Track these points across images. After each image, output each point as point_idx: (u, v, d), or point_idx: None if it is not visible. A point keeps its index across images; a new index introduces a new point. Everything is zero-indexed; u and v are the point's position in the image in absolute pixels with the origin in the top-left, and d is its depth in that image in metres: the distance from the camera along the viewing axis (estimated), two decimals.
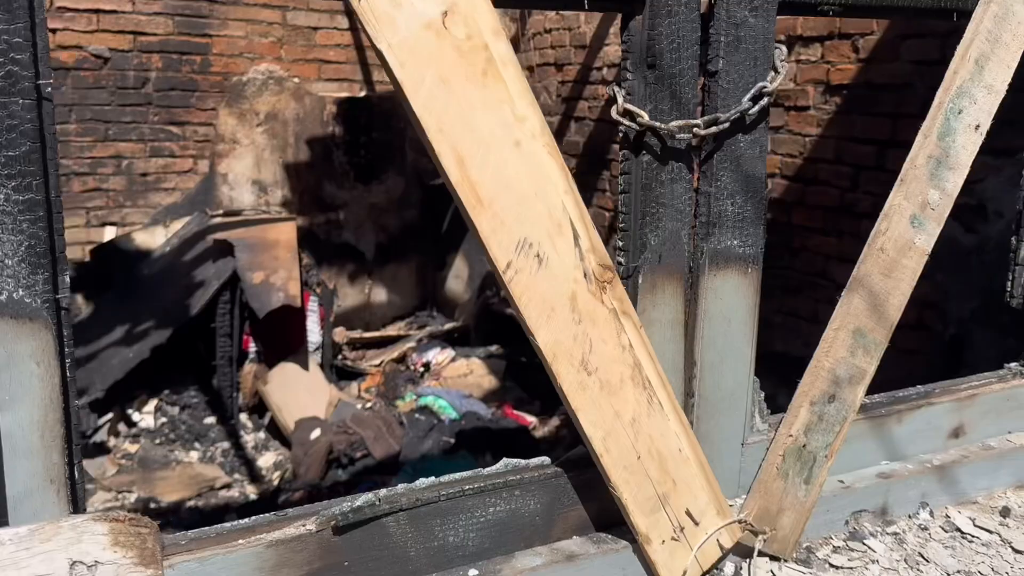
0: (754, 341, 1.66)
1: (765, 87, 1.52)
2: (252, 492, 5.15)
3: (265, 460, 5.37)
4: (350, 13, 6.23)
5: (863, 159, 4.20)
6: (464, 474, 1.49)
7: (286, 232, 5.53)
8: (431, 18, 1.21)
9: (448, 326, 6.54)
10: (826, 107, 4.24)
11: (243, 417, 5.65)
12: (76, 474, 1.20)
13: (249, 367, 5.69)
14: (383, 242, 6.55)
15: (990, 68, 1.62)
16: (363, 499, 1.37)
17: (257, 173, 6.11)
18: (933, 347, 3.97)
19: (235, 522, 1.34)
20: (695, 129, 1.48)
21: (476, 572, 1.46)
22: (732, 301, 1.61)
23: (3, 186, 1.09)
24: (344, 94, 6.26)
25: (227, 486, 5.13)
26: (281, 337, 5.62)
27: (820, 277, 4.30)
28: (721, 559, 1.62)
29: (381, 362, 6.13)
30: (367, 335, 6.47)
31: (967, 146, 1.64)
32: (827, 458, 1.66)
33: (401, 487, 1.43)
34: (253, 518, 1.36)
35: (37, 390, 1.14)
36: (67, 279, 1.16)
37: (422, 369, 5.92)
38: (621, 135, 1.51)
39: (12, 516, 1.16)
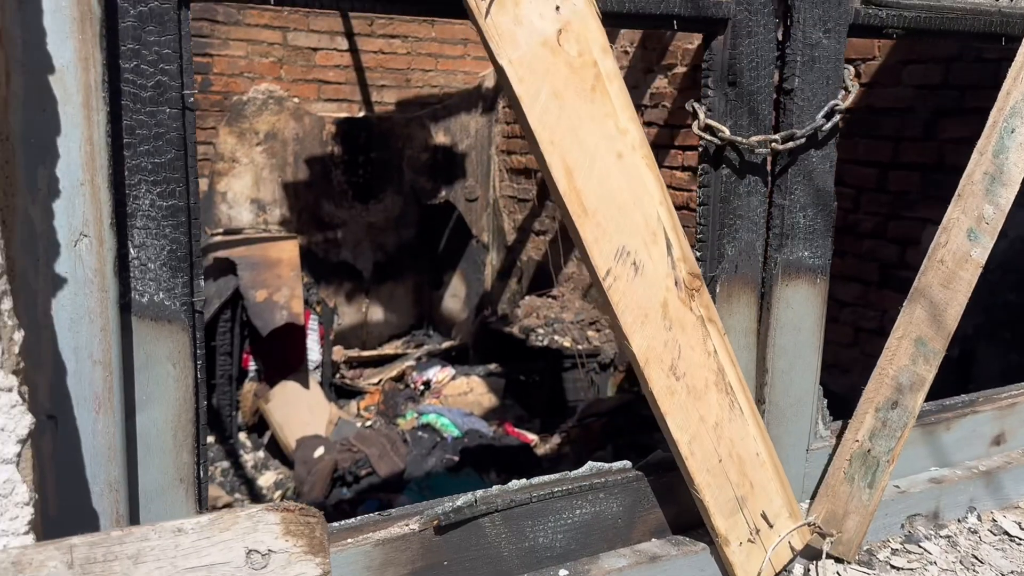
0: (820, 349, 1.72)
1: (837, 105, 1.59)
2: None
3: (266, 479, 5.35)
4: (350, 34, 6.30)
5: (865, 181, 4.32)
6: (552, 476, 1.54)
7: (288, 250, 5.54)
8: (547, 36, 1.27)
9: (446, 344, 6.57)
10: None
11: (242, 436, 5.63)
12: (202, 474, 1.23)
13: (249, 386, 5.68)
14: (380, 261, 6.58)
15: None
16: (463, 499, 1.41)
17: (256, 192, 6.12)
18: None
19: (342, 522, 1.38)
20: (773, 144, 1.55)
21: (566, 572, 1.50)
22: (802, 310, 1.67)
23: (149, 192, 1.13)
24: (343, 114, 6.30)
25: (228, 506, 5.10)
26: (282, 356, 5.62)
27: None
28: (791, 561, 1.67)
29: (380, 380, 6.14)
30: (365, 354, 6.48)
31: (1018, 163, 1.72)
32: (889, 463, 1.73)
33: (495, 488, 1.47)
34: (359, 518, 1.39)
35: (172, 391, 1.18)
36: (202, 283, 1.19)
37: (423, 387, 5.94)
38: (701, 149, 1.57)
39: (144, 513, 1.19)
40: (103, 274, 1.07)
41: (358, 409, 5.90)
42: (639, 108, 5.61)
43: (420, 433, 5.18)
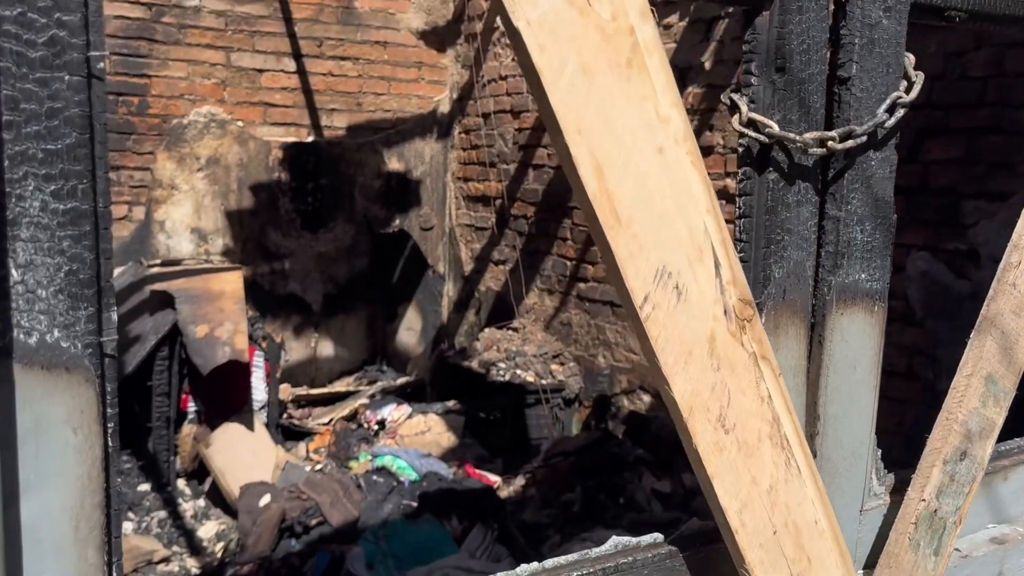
0: (877, 390, 1.45)
1: (900, 97, 1.33)
2: (194, 566, 4.72)
3: (206, 530, 4.94)
4: (298, 55, 5.98)
5: None
6: (570, 558, 1.23)
7: (232, 282, 5.17)
8: None
9: (401, 381, 6.22)
10: None
11: (181, 483, 5.21)
12: (116, 575, 0.90)
13: (188, 428, 5.27)
14: (331, 292, 6.22)
15: None
16: None
17: (197, 220, 5.74)
18: (925, 396, 3.85)
19: None
20: (830, 143, 1.28)
21: None
22: (858, 344, 1.40)
23: (39, 190, 0.81)
24: (291, 139, 5.96)
25: (166, 559, 4.68)
26: (224, 395, 5.22)
27: None
28: None
29: (331, 420, 5.76)
30: (314, 392, 6.10)
31: None
32: (956, 524, 1.46)
33: None
34: None
35: (73, 466, 0.85)
36: (114, 316, 0.87)
37: (377, 427, 5.58)
38: (742, 149, 1.29)
39: None
40: None
41: (307, 452, 5.52)
42: None
43: (375, 477, 4.82)
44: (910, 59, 1.36)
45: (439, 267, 6.59)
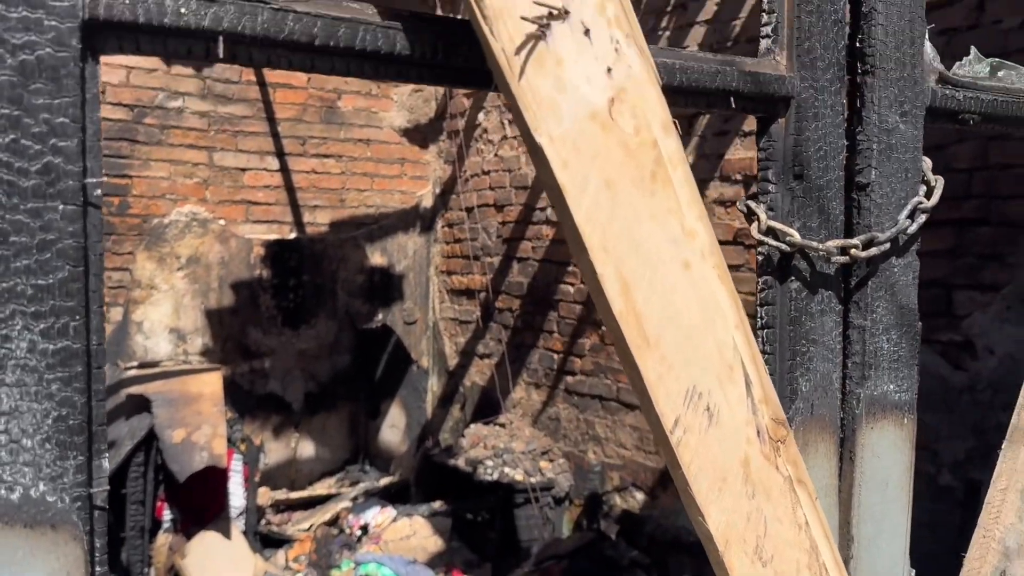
0: (909, 508, 1.37)
1: (921, 203, 1.29)
2: None
3: None
4: (281, 154, 5.98)
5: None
6: None
7: (211, 383, 5.04)
8: (597, 106, 0.94)
9: (384, 481, 6.05)
10: None
11: None
12: None
13: (163, 538, 5.06)
14: (312, 391, 6.09)
15: None
16: None
17: (176, 320, 5.63)
18: (928, 490, 3.77)
19: None
20: (852, 251, 1.24)
21: None
22: (889, 459, 1.32)
23: (28, 329, 0.73)
24: (273, 236, 5.92)
25: None
26: (201, 502, 5.04)
27: None
28: None
29: (311, 526, 5.57)
30: (294, 495, 5.91)
31: None
32: None
33: None
34: None
35: None
36: (105, 463, 0.79)
37: (360, 532, 5.39)
38: (762, 258, 1.24)
39: None
40: None
41: (287, 560, 5.31)
42: None
43: None
44: (927, 163, 1.33)
45: (423, 362, 6.50)
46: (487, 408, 5.97)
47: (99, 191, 0.77)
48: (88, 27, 0.76)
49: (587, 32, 0.92)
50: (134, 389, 4.93)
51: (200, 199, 5.71)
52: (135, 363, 5.38)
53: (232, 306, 5.79)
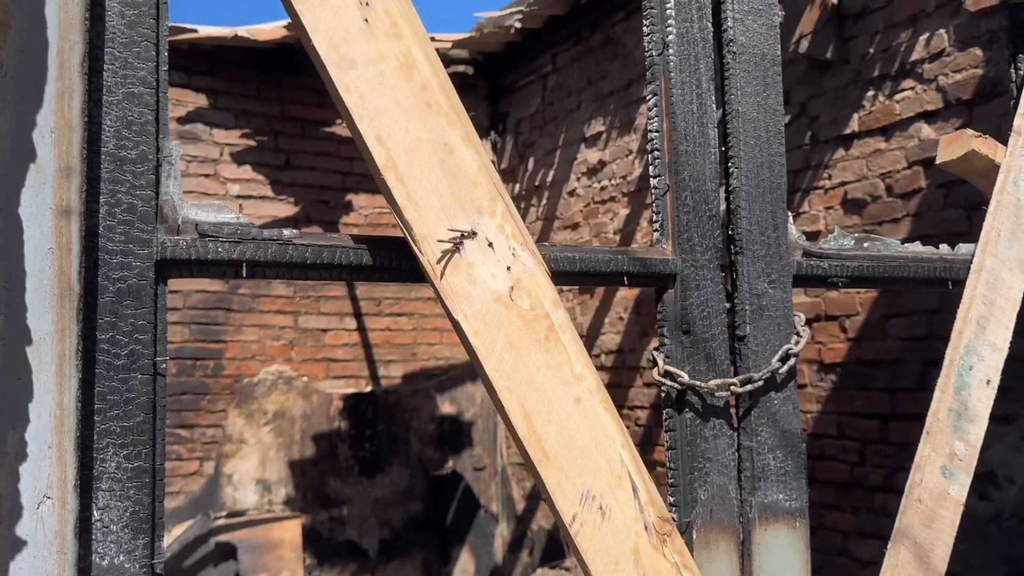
0: None
1: (791, 349, 1.66)
2: None
3: None
4: (358, 314, 6.58)
5: (867, 433, 4.31)
6: None
7: (290, 531, 5.46)
8: (500, 292, 1.36)
9: None
10: (822, 384, 4.41)
11: None
12: None
13: None
14: (387, 538, 6.43)
15: (991, 328, 1.78)
16: None
17: (262, 472, 6.12)
18: None
19: None
20: (732, 387, 1.60)
21: None
22: (783, 556, 1.64)
23: (116, 454, 1.17)
24: (351, 390, 6.44)
25: None
26: None
27: (841, 555, 4.25)
28: None
29: None
30: None
31: (982, 400, 1.76)
32: None
33: None
34: None
35: None
36: (163, 545, 1.20)
37: None
38: (664, 395, 1.62)
39: None
40: (63, 536, 1.09)
41: None
42: (631, 370, 5.74)
43: None
44: (800, 318, 1.70)
45: (492, 507, 6.79)
46: (553, 551, 6.19)
47: (164, 365, 1.22)
48: (160, 264, 1.23)
49: (491, 244, 1.36)
50: (222, 537, 5.37)
51: (286, 358, 6.30)
52: (224, 512, 5.84)
53: (313, 457, 6.26)
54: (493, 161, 7.01)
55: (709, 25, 1.69)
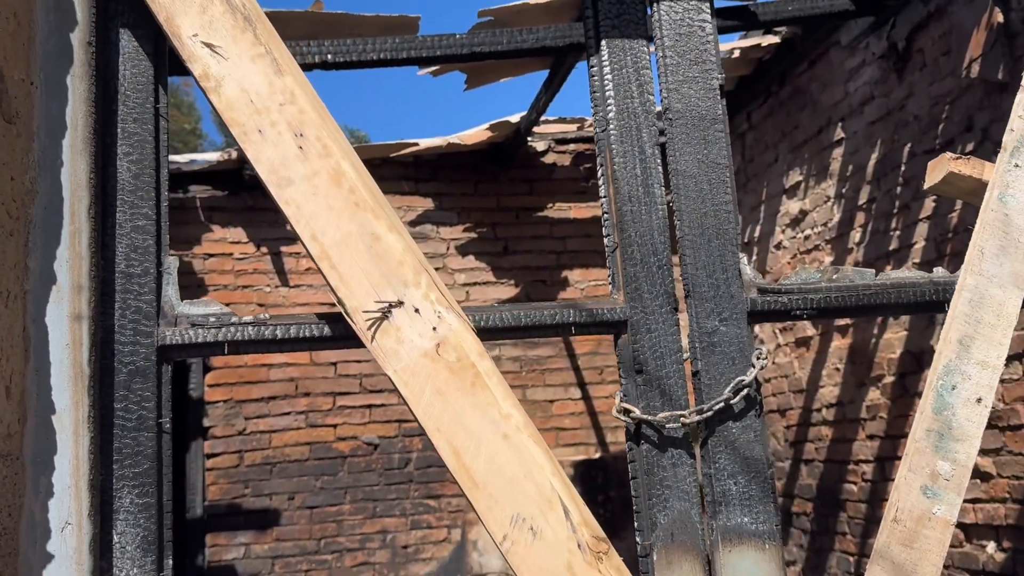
0: None
1: (743, 380, 1.75)
2: None
3: None
4: (582, 383, 6.90)
5: None
6: None
7: None
8: (427, 349, 1.64)
9: None
10: None
11: None
12: None
13: None
14: None
15: (977, 346, 1.74)
16: None
17: None
18: None
19: None
20: (682, 419, 1.73)
21: None
22: (751, 575, 1.71)
23: (129, 493, 1.58)
24: (580, 457, 6.72)
25: None
26: None
27: None
28: None
29: None
30: None
31: (971, 419, 1.72)
32: None
33: None
34: None
35: None
36: (170, 561, 1.59)
37: None
38: (624, 428, 1.78)
39: None
40: (80, 552, 1.50)
41: None
42: (852, 422, 5.50)
43: None
44: (760, 351, 1.79)
45: None
46: None
47: (168, 424, 1.63)
48: (161, 350, 1.65)
49: (417, 310, 1.65)
50: None
51: None
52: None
53: None
54: None
55: (651, 97, 1.88)
